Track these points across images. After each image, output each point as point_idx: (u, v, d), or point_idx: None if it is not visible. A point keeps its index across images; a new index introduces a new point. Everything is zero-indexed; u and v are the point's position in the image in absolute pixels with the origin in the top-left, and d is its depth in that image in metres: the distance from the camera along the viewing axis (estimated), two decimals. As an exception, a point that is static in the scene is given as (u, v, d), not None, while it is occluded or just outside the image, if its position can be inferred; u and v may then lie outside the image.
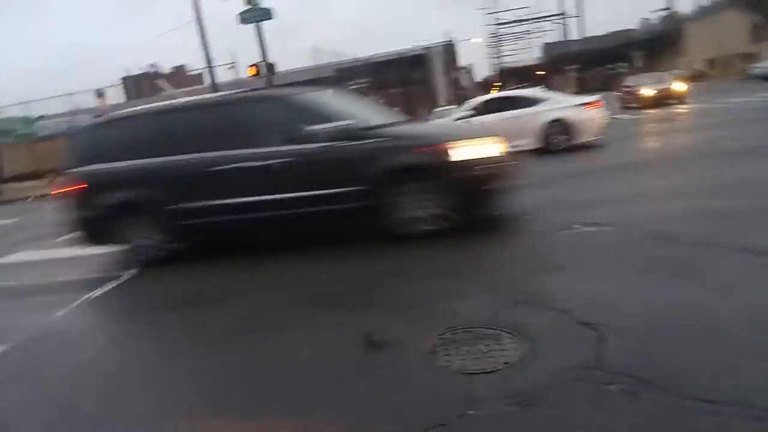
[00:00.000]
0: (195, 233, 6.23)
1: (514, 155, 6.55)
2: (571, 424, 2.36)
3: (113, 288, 5.69)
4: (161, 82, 30.84)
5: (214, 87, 21.75)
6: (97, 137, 6.81)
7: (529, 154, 10.90)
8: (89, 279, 6.17)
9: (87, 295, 5.47)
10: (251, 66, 20.68)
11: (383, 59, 41.91)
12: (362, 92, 25.51)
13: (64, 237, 9.48)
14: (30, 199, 23.24)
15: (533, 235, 5.50)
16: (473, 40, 58.72)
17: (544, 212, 6.16)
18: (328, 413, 2.72)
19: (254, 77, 20.74)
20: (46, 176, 29.81)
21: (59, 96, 31.26)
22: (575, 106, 12.47)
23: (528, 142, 11.81)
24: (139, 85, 59.61)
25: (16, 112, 37.79)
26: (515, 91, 13.82)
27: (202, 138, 6.13)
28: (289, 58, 65.81)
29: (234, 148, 5.94)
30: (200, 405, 3.00)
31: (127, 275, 6.10)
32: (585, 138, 11.98)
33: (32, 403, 3.34)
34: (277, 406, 2.86)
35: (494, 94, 13.50)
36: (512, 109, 12.61)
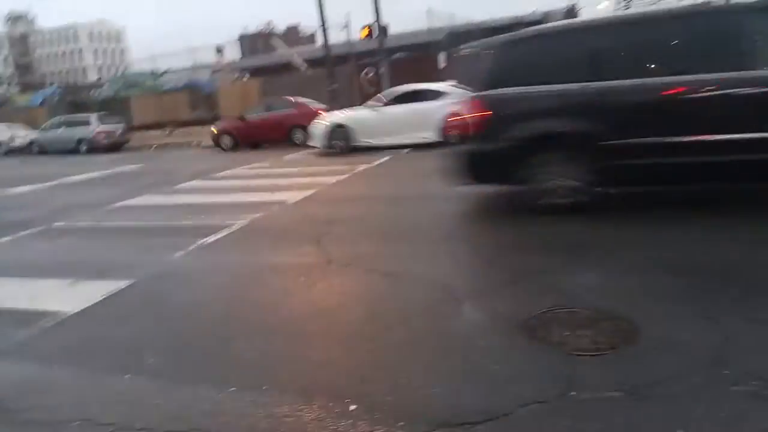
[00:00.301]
0: (628, 176, 5.22)
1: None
2: (684, 419, 2.23)
3: (226, 235, 6.02)
4: (275, 41, 31.72)
5: (327, 48, 22.14)
6: (508, 57, 5.75)
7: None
8: (205, 225, 6.55)
9: (202, 240, 5.83)
10: (364, 27, 20.81)
11: (500, 24, 40.57)
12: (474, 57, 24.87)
13: (183, 185, 10.22)
14: (153, 147, 24.88)
15: None
16: (601, 6, 55.36)
17: None
18: (420, 378, 2.76)
19: (366, 38, 20.89)
20: (167, 127, 31.97)
21: (181, 53, 32.88)
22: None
23: (429, 135, 12.11)
24: (255, 43, 61.58)
25: (145, 66, 40.58)
26: (423, 84, 13.88)
27: (656, 59, 5.15)
28: (402, 21, 65.06)
29: (709, 71, 4.82)
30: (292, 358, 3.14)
31: (239, 224, 6.43)
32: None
33: (156, 333, 3.63)
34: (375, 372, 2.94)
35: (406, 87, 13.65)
36: (419, 101, 12.90)
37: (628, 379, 2.55)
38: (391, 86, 19.34)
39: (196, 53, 34.90)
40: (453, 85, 13.00)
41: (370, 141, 13.14)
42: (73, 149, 23.99)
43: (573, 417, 2.34)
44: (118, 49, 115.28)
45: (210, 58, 38.27)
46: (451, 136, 6.57)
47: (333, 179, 9.28)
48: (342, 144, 13.34)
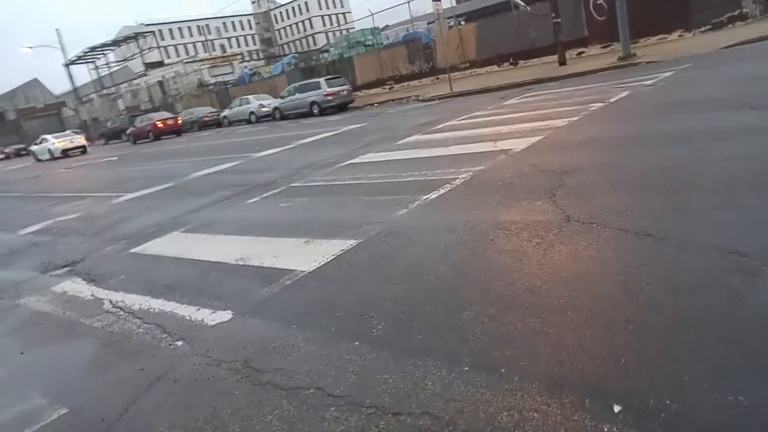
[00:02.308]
0: None
1: None
2: None
3: (449, 190, 5.71)
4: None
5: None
6: None
7: None
8: (427, 180, 6.34)
9: (425, 196, 5.61)
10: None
11: None
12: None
13: (404, 140, 10.21)
14: (375, 104, 25.87)
15: None
16: None
17: None
18: (711, 378, 2.09)
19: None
20: (387, 83, 33.02)
21: (399, 5, 33.29)
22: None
23: None
24: None
25: (367, 24, 42.16)
26: None
27: None
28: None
29: None
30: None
31: (462, 177, 6.08)
32: None
33: (382, 297, 3.46)
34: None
35: None
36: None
37: None
38: (629, 12, 17.17)
39: (413, 4, 34.76)
40: None
41: None
42: (307, 112, 26.17)
43: None
44: (342, 15, 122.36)
45: (427, 8, 38.30)
46: None
47: (563, 122, 8.40)
48: None
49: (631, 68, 15.90)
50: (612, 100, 9.77)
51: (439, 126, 11.28)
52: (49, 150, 34.08)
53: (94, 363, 3.42)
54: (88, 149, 34.47)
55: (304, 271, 4.17)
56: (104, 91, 60.54)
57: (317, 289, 3.82)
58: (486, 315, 2.92)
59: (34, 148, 37.04)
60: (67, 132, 40.69)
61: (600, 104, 9.52)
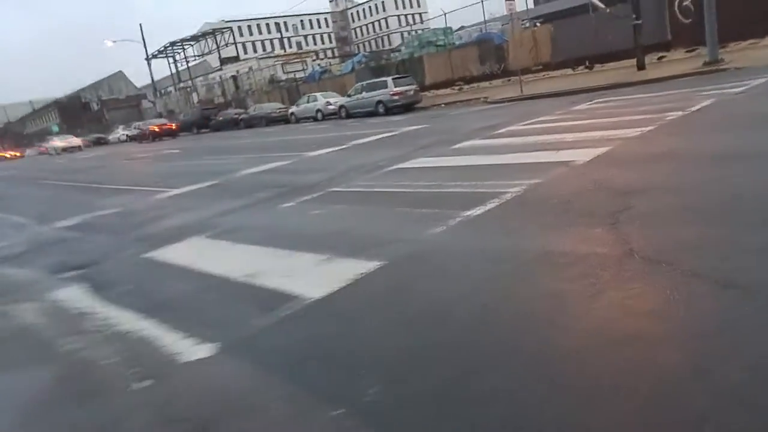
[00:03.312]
0: None
1: None
2: None
3: (497, 206, 5.03)
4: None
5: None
6: None
7: None
8: (474, 193, 5.68)
9: (468, 212, 4.95)
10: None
11: None
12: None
13: (461, 144, 9.53)
14: (443, 105, 25.19)
15: None
16: None
17: None
18: None
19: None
20: (456, 84, 32.18)
21: (472, 4, 32.38)
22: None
23: None
24: None
25: (441, 24, 41.38)
26: None
27: None
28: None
29: None
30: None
31: (513, 191, 5.38)
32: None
33: (389, 344, 2.86)
34: None
35: None
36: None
37: None
38: (717, 15, 15.75)
39: (490, 6, 33.71)
40: None
41: None
42: (373, 111, 25.84)
43: None
44: (418, 14, 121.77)
45: (503, 9, 37.20)
46: None
47: (635, 132, 7.49)
48: None
49: (717, 74, 14.53)
50: (694, 108, 8.71)
51: (500, 131, 10.51)
52: (54, 148, 47.61)
53: (28, 409, 2.92)
54: (83, 148, 47.16)
55: (311, 299, 3.62)
56: (181, 85, 62.65)
57: (318, 326, 3.25)
58: (506, 390, 2.25)
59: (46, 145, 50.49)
60: (67, 135, 52.55)
61: (679, 113, 8.50)
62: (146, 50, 54.40)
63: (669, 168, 5.38)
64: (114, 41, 53.93)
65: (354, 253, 4.40)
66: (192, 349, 3.19)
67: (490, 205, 5.06)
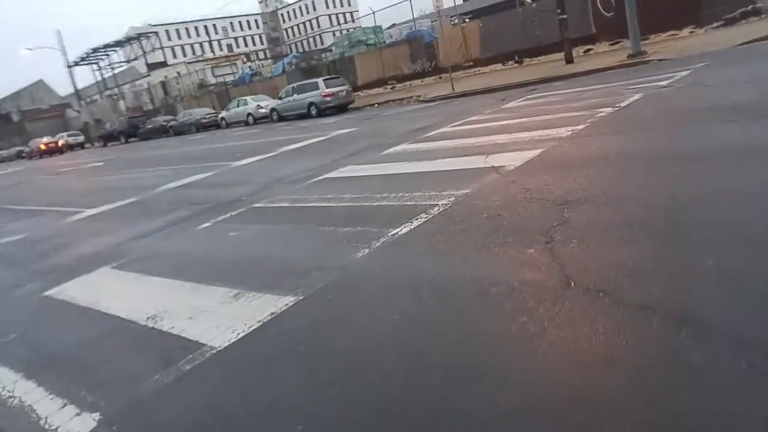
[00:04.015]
0: None
1: None
2: None
3: (423, 223, 4.62)
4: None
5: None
6: None
7: None
8: (400, 207, 5.26)
9: (394, 231, 4.53)
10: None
11: None
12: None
13: (390, 150, 9.13)
14: (375, 105, 24.82)
15: None
16: None
17: None
18: None
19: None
20: (389, 83, 31.88)
21: (398, 2, 32.10)
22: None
23: None
24: None
25: (368, 22, 41.02)
26: None
27: None
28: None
29: None
30: None
31: (442, 204, 4.99)
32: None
33: (297, 406, 2.40)
34: None
35: None
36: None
37: None
38: (638, 8, 16.03)
39: (418, 3, 33.44)
40: None
41: None
42: (305, 114, 25.21)
43: None
44: (349, 13, 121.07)
45: (432, 7, 37.11)
46: None
47: (566, 131, 7.27)
48: None
49: (641, 66, 14.79)
50: (623, 104, 8.63)
51: (431, 133, 10.17)
52: None
53: None
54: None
55: (214, 349, 3.11)
56: (107, 92, 59.89)
57: (217, 386, 2.75)
58: None
59: None
60: None
61: (609, 109, 8.38)
62: (66, 57, 51.59)
63: (604, 173, 5.11)
64: (30, 49, 50.65)
65: (267, 285, 3.90)
66: (70, 424, 2.64)
67: (416, 222, 4.66)
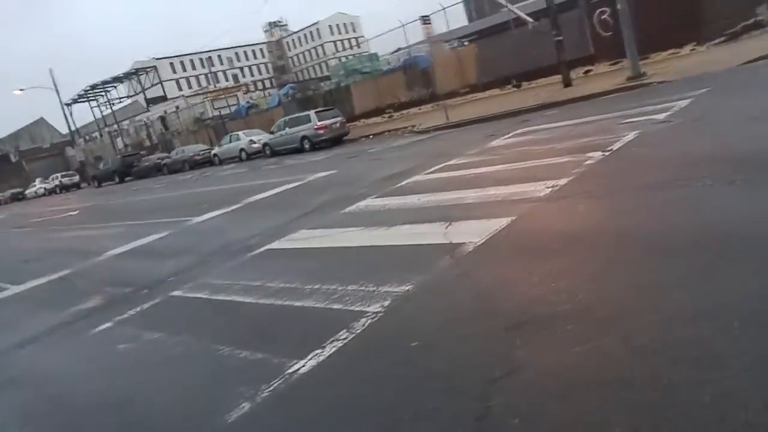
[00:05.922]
0: None
1: None
2: None
3: (330, 356, 3.43)
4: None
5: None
6: None
7: None
8: (319, 320, 4.09)
9: (294, 367, 3.34)
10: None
11: None
12: None
13: (353, 207, 7.98)
14: (370, 137, 23.86)
15: None
16: None
17: None
18: None
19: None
20: (386, 112, 30.88)
21: (392, 29, 31.35)
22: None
23: None
24: (480, 2, 57.03)
25: (379, 48, 40.19)
26: None
27: None
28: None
29: None
30: None
31: (362, 324, 3.80)
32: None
33: None
34: None
35: None
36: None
37: None
38: (636, 26, 14.94)
39: (406, 29, 32.50)
40: None
41: None
42: (299, 147, 24.35)
43: None
44: (354, 39, 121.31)
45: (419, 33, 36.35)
46: None
47: (546, 188, 6.07)
48: None
49: (641, 90, 13.67)
50: (615, 146, 7.41)
51: (403, 182, 9.01)
52: None
53: None
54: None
55: None
56: (106, 129, 59.69)
57: None
58: None
59: None
60: None
61: (599, 154, 7.17)
62: (59, 96, 51.26)
63: (579, 267, 3.88)
64: (22, 89, 50.41)
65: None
66: None
67: (326, 352, 3.44)
